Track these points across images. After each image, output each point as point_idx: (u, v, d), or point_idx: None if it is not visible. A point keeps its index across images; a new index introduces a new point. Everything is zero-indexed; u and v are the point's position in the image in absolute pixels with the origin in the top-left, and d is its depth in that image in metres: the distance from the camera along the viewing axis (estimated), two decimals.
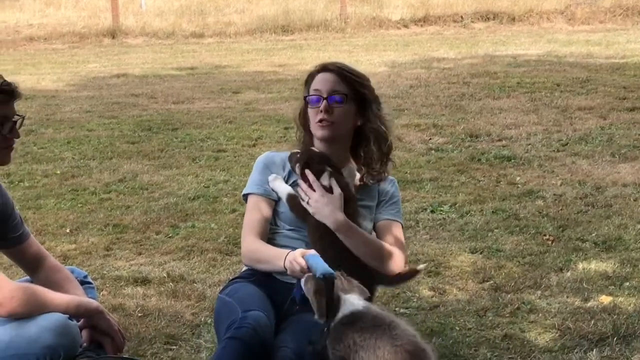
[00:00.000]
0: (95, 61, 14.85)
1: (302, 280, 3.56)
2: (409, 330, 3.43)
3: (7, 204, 4.08)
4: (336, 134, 3.96)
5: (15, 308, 3.79)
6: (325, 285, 3.51)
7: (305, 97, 4.01)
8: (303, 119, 4.06)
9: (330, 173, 3.88)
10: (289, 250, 3.79)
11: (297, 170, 3.93)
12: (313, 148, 3.99)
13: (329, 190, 3.85)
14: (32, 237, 4.24)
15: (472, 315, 4.51)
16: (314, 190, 3.85)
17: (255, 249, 3.96)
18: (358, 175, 4.06)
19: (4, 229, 4.10)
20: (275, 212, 4.04)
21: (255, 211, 4.02)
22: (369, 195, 4.08)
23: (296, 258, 3.67)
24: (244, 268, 4.11)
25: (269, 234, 4.03)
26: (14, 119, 3.83)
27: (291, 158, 3.99)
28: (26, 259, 4.20)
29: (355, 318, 3.45)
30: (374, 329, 3.38)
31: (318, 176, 3.87)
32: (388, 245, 3.97)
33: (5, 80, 3.81)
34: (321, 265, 3.58)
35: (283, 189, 3.97)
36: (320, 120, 3.92)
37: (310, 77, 4.04)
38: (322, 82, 3.96)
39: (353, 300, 3.50)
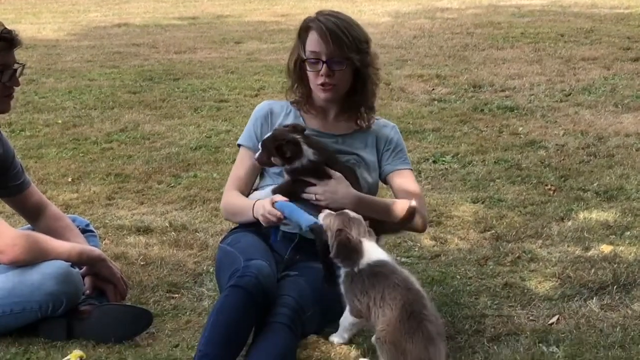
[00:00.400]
0: (96, 10, 14.78)
1: (322, 216, 3.57)
2: (435, 312, 3.44)
3: (8, 153, 4.11)
4: (339, 94, 3.94)
5: (17, 255, 3.82)
6: (315, 236, 3.56)
7: (304, 60, 3.91)
8: (300, 72, 3.97)
9: (307, 145, 3.77)
10: (256, 200, 3.82)
11: (277, 162, 3.83)
12: (276, 130, 3.89)
13: (326, 175, 3.80)
14: (33, 186, 4.27)
15: (473, 264, 4.53)
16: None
17: (230, 202, 4.00)
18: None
19: (5, 177, 4.14)
20: None
21: (241, 165, 4.05)
22: (363, 142, 4.05)
23: (270, 211, 3.66)
24: None
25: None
26: (14, 67, 3.84)
27: (261, 159, 3.87)
28: (27, 207, 4.24)
29: (385, 270, 3.45)
30: (407, 294, 3.37)
31: (296, 156, 3.77)
32: (400, 201, 3.93)
33: (5, 28, 3.81)
34: (303, 217, 3.60)
35: (264, 194, 3.89)
36: (322, 84, 3.88)
37: (305, 31, 3.92)
38: (319, 44, 3.85)
39: (374, 248, 3.52)
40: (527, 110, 7.53)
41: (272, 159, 3.80)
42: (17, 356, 3.72)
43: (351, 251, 3.45)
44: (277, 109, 4.08)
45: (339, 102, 3.99)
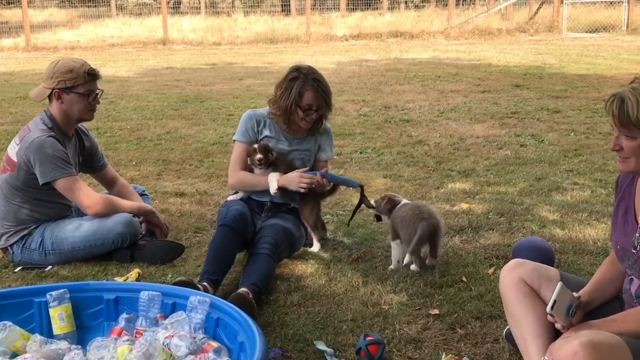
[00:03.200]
0: (153, 59, 14.52)
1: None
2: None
3: (93, 144, 4.06)
4: (310, 124, 3.80)
5: (98, 210, 3.74)
6: (361, 191, 3.76)
7: (303, 111, 3.69)
8: (290, 108, 3.70)
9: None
10: (267, 176, 3.71)
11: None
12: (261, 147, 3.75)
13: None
14: (110, 166, 4.20)
15: None
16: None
17: (244, 179, 3.80)
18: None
19: (92, 160, 4.06)
20: None
21: (240, 153, 3.83)
22: (312, 142, 3.93)
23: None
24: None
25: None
26: (96, 92, 3.75)
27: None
28: (106, 179, 4.15)
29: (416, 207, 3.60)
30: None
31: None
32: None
33: (91, 67, 3.72)
34: (345, 180, 3.93)
35: (272, 186, 3.73)
36: (309, 122, 3.75)
37: (302, 87, 3.67)
38: (314, 99, 3.68)
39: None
40: (417, 122, 7.48)
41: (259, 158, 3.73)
42: (100, 272, 3.65)
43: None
44: (257, 117, 3.89)
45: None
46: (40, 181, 3.64)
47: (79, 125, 3.91)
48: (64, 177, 3.65)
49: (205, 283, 3.13)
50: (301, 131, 3.88)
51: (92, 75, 3.68)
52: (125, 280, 3.43)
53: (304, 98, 3.69)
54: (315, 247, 3.86)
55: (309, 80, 3.69)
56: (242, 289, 3.09)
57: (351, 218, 3.99)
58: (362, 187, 3.81)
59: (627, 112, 2.09)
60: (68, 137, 3.80)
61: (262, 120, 3.87)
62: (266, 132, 3.86)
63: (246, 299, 2.99)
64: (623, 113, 2.10)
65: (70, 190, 3.68)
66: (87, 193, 3.72)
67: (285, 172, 3.76)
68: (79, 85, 3.64)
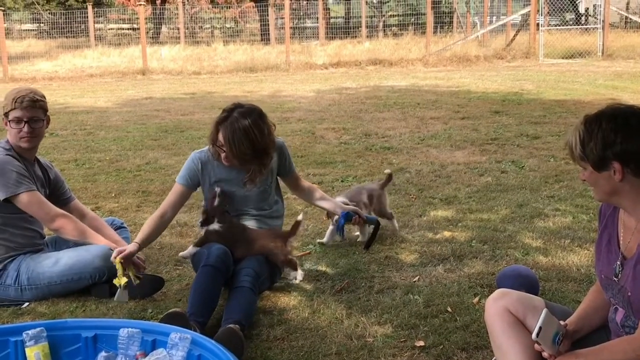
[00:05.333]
0: (132, 89, 14.48)
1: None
2: None
3: (58, 177, 4.08)
4: (232, 164, 3.65)
5: (66, 226, 3.72)
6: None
7: (214, 144, 3.61)
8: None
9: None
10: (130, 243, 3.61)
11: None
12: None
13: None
14: (76, 200, 4.18)
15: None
16: None
17: (146, 223, 3.69)
18: None
19: (58, 193, 4.04)
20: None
21: (173, 196, 3.76)
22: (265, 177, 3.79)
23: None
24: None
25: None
26: (26, 120, 3.70)
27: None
28: (73, 214, 4.05)
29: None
30: None
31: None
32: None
33: (25, 95, 3.77)
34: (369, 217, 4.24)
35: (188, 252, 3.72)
36: (224, 159, 3.60)
37: (220, 124, 3.54)
38: (224, 143, 3.53)
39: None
40: (398, 149, 7.50)
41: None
42: (78, 309, 3.57)
43: None
44: (203, 159, 3.76)
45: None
46: (1, 196, 3.59)
47: (41, 159, 3.95)
48: (27, 192, 3.62)
49: (192, 324, 3.06)
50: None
51: (18, 102, 3.67)
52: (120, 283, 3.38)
53: (218, 136, 3.55)
54: (299, 275, 3.81)
55: (229, 119, 3.53)
56: (231, 325, 3.03)
57: (369, 244, 4.21)
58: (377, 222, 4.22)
59: (572, 149, 2.27)
60: (30, 162, 3.81)
61: (206, 160, 3.75)
62: (217, 175, 3.72)
63: (237, 334, 2.94)
64: (570, 149, 2.28)
65: (37, 203, 3.65)
66: (53, 208, 3.71)
67: (233, 231, 3.67)
68: (10, 112, 3.68)
